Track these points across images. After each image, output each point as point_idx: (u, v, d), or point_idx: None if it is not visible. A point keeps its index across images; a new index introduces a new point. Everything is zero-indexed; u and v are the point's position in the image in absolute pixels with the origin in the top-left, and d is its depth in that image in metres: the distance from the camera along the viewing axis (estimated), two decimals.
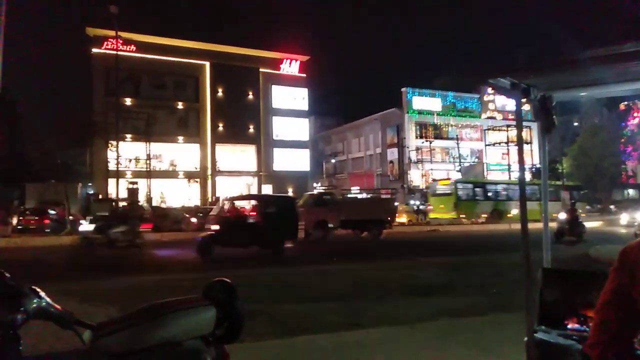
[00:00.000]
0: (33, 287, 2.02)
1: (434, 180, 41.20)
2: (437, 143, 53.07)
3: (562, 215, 18.34)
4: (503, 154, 52.43)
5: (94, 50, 39.95)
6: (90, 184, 40.29)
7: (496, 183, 36.51)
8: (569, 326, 2.66)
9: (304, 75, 48.76)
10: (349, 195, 29.39)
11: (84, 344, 2.17)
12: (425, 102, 54.24)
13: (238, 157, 45.39)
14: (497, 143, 53.20)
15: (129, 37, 37.77)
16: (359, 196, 30.24)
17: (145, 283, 8.34)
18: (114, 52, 29.22)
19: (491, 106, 57.16)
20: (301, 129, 48.66)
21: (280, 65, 47.56)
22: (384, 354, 4.52)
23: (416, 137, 53.17)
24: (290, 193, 45.67)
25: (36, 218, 24.42)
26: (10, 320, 1.80)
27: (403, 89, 53.71)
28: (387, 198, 25.68)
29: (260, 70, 46.21)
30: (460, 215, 30.23)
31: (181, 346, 2.26)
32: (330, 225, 20.12)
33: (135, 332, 2.17)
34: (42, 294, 2.02)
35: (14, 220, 23.64)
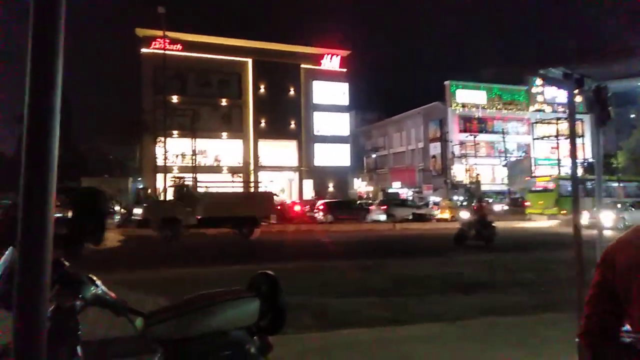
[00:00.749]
0: (90, 275, 2.14)
1: (532, 176, 40.65)
2: (482, 137, 51.59)
3: (465, 215, 16.39)
4: (552, 148, 50.29)
5: (143, 50, 41.42)
6: (139, 179, 41.97)
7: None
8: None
9: (345, 70, 48.59)
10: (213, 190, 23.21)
11: (136, 331, 2.28)
12: (470, 95, 52.84)
13: (280, 152, 45.91)
14: (545, 137, 51.04)
15: (175, 36, 38.92)
16: (228, 190, 25.58)
17: (190, 274, 8.61)
18: (162, 51, 30.25)
19: (540, 98, 54.96)
20: (342, 124, 48.58)
21: (321, 61, 47.59)
22: (426, 351, 4.47)
23: (460, 131, 51.93)
24: (331, 188, 45.86)
25: None
26: (70, 307, 1.92)
27: (446, 82, 52.53)
28: (261, 193, 22.77)
29: (301, 66, 46.45)
30: (562, 212, 30.22)
31: (227, 336, 2.33)
32: (188, 223, 17.70)
33: (184, 321, 2.26)
34: (99, 282, 2.14)
35: None
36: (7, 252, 2.02)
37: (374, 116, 67.21)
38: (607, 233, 20.41)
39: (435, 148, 53.31)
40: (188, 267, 9.74)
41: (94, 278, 2.14)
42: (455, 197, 39.40)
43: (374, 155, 63.98)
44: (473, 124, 52.32)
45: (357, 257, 12.07)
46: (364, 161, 64.60)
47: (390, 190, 49.52)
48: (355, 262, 10.78)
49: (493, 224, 15.46)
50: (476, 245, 14.47)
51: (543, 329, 5.09)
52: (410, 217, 30.45)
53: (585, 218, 24.14)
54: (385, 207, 30.49)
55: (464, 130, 51.84)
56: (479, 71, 58.86)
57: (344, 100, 48.68)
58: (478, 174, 48.52)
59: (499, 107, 53.59)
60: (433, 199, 40.69)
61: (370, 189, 59.28)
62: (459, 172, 50.85)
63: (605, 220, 22.95)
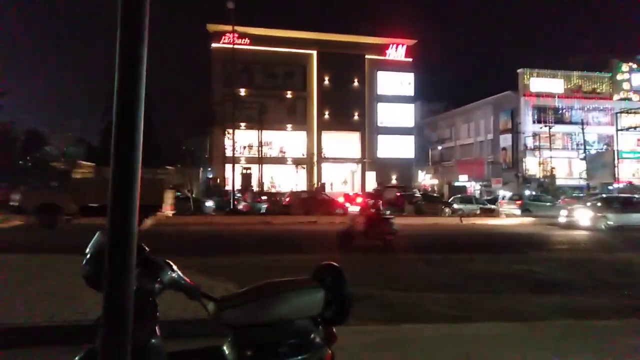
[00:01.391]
0: (167, 260, 2.27)
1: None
2: (558, 128, 48.45)
3: (354, 208, 14.04)
4: (639, 140, 46.25)
5: (213, 45, 43.01)
6: (209, 169, 43.82)
7: None
8: None
9: (410, 59, 47.54)
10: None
11: (208, 315, 2.39)
12: (545, 84, 49.75)
13: (343, 144, 45.96)
14: (632, 127, 46.93)
15: (243, 30, 39.97)
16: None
17: (256, 262, 8.88)
18: (231, 46, 31.27)
19: (625, 86, 50.64)
20: (406, 115, 47.67)
21: (386, 51, 46.89)
22: (492, 352, 4.29)
23: (533, 122, 49.12)
24: (394, 181, 45.27)
25: None
26: (150, 289, 2.05)
27: (519, 70, 49.81)
28: (149, 179, 19.88)
29: (366, 56, 46.03)
30: None
31: (292, 324, 2.37)
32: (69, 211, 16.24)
33: (252, 308, 2.33)
34: (175, 267, 2.26)
35: None
36: (95, 237, 2.19)
37: (440, 107, 65.25)
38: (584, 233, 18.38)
39: (505, 140, 50.86)
40: (252, 255, 10.03)
41: (171, 263, 2.27)
42: (527, 192, 37.44)
43: (439, 147, 62.24)
44: (548, 114, 49.28)
45: (423, 251, 11.83)
46: (429, 153, 63.03)
47: (456, 184, 48.05)
48: (421, 256, 10.58)
49: (392, 220, 12.88)
50: (369, 246, 11.89)
51: (625, 336, 4.72)
52: (478, 211, 29.40)
53: (562, 216, 22.09)
54: (520, 202, 29.94)
55: (538, 121, 48.97)
56: (556, 58, 55.24)
57: (410, 91, 47.69)
58: (553, 168, 45.72)
59: (577, 95, 50.04)
60: (502, 193, 38.94)
61: (435, 181, 57.82)
62: (531, 165, 48.22)
63: (582, 220, 20.73)
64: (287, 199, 29.46)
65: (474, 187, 50.44)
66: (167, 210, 17.82)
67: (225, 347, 2.42)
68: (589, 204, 22.21)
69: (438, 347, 4.36)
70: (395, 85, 47.00)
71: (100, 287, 1.92)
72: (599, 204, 21.69)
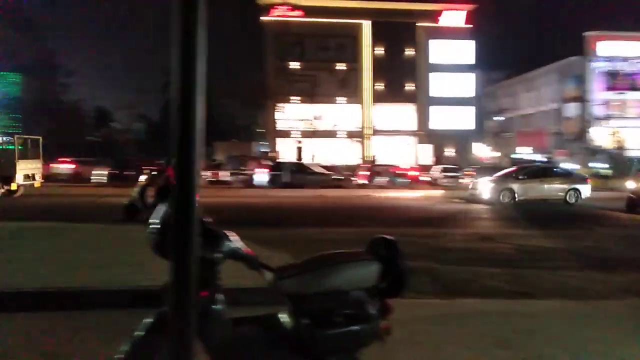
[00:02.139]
0: (226, 231, 2.37)
1: None
2: (631, 95, 44.82)
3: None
4: None
5: (264, 18, 43.05)
6: (262, 143, 44.64)
7: None
8: None
9: (470, 26, 45.35)
10: None
11: (267, 284, 2.48)
12: (617, 48, 45.91)
13: (396, 116, 45.11)
14: None
15: (295, 2, 39.66)
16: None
17: (311, 234, 9.04)
18: (282, 18, 31.18)
19: None
20: (465, 84, 45.83)
21: (438, 18, 44.97)
22: (553, 328, 4.17)
23: (603, 89, 45.73)
24: (452, 153, 44.06)
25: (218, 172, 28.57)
26: (211, 258, 2.16)
27: (587, 34, 46.24)
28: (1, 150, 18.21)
29: (420, 24, 44.40)
30: None
31: (348, 295, 2.42)
32: None
33: (309, 278, 2.39)
34: (235, 237, 2.36)
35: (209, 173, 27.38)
36: (159, 207, 2.32)
37: (500, 75, 62.06)
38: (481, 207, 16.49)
39: (571, 109, 47.82)
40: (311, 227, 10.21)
41: (232, 234, 2.37)
42: (592, 164, 35.25)
43: (498, 118, 59.58)
44: (619, 80, 45.63)
45: (478, 225, 11.56)
46: (487, 124, 60.54)
47: (516, 156, 46.03)
48: (477, 231, 10.35)
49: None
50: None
51: None
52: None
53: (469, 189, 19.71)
54: None
55: (609, 89, 45.52)
56: (627, 19, 50.72)
57: (469, 59, 45.68)
58: (621, 138, 42.60)
59: None
60: (567, 165, 36.88)
61: (494, 154, 55.69)
62: (599, 136, 45.20)
63: (484, 192, 18.05)
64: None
65: (535, 160, 48.14)
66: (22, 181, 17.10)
67: (282, 315, 2.51)
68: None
69: (496, 322, 4.29)
70: (452, 53, 45.13)
71: (166, 255, 2.05)
72: (503, 174, 19.24)
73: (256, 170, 26.52)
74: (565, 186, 18.39)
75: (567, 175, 19.74)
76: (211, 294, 2.21)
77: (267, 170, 26.20)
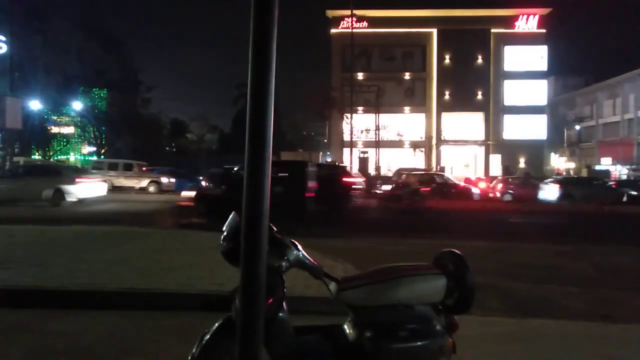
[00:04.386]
0: (293, 240, 2.41)
1: None
2: None
3: None
4: None
5: (333, 30, 43.70)
6: (328, 153, 45.06)
7: None
8: None
9: (544, 30, 43.19)
10: None
11: (330, 294, 2.49)
12: None
13: (464, 125, 43.80)
14: None
15: (362, 14, 39.92)
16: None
17: (372, 245, 8.95)
18: (349, 30, 31.51)
19: None
20: (537, 92, 43.61)
21: (515, 23, 43.24)
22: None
23: None
24: (522, 164, 41.94)
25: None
26: (277, 266, 2.21)
27: None
28: None
29: (492, 30, 42.96)
30: None
31: (413, 309, 2.37)
32: None
33: (373, 290, 2.37)
34: (300, 247, 2.40)
35: None
36: (230, 216, 2.41)
37: (578, 82, 58.31)
38: None
39: None
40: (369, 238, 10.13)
41: (296, 243, 2.41)
42: None
43: (577, 127, 55.89)
44: None
45: (552, 240, 10.85)
46: (564, 134, 56.97)
47: (597, 167, 42.91)
48: (550, 246, 9.72)
49: None
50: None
51: None
52: (625, 198, 25.95)
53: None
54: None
55: None
56: None
57: (542, 65, 43.49)
58: None
59: None
60: None
61: (572, 165, 52.25)
62: None
63: None
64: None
65: (619, 171, 44.55)
66: None
67: (345, 326, 2.50)
68: None
69: (572, 345, 4.00)
70: (524, 60, 43.20)
71: (235, 262, 2.13)
72: None
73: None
74: None
75: None
76: (276, 302, 2.26)
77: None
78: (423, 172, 29.29)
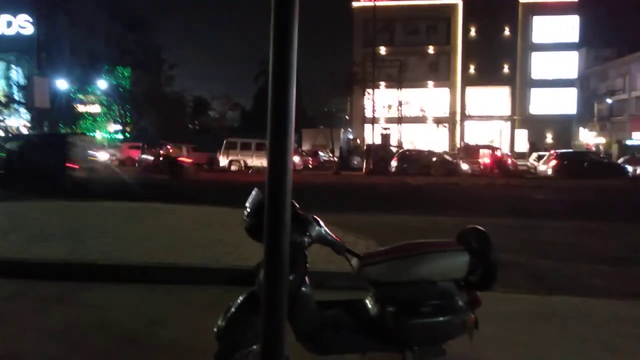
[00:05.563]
0: (315, 216, 2.42)
1: None
2: None
3: None
4: None
5: (354, 4, 42.83)
6: (349, 129, 44.77)
7: None
8: None
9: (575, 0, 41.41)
10: None
11: (352, 270, 2.51)
12: None
13: (489, 100, 42.81)
14: None
15: None
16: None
17: (397, 221, 8.93)
18: (372, 3, 30.82)
19: None
20: (568, 64, 42.15)
21: None
22: None
23: None
24: (549, 140, 40.88)
25: (310, 158, 30.83)
26: (300, 242, 2.23)
27: None
28: None
29: (520, 0, 41.37)
30: None
31: (435, 286, 2.37)
32: None
33: (395, 266, 2.38)
34: (322, 222, 2.41)
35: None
36: (253, 192, 2.43)
37: (611, 53, 55.86)
38: None
39: None
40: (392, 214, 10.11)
41: (318, 219, 2.42)
42: None
43: (608, 100, 53.89)
44: None
45: (582, 217, 10.62)
46: (595, 108, 55.05)
47: (628, 142, 41.46)
48: (579, 223, 9.52)
49: None
50: None
51: None
52: None
53: None
54: None
55: None
56: None
57: (573, 37, 41.89)
58: None
59: None
60: None
61: (601, 140, 50.65)
62: None
63: None
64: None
65: None
66: None
67: (367, 301, 2.53)
68: None
69: (599, 323, 3.95)
70: (554, 31, 41.64)
71: (259, 238, 2.16)
72: None
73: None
74: None
75: None
76: (299, 277, 2.29)
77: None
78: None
